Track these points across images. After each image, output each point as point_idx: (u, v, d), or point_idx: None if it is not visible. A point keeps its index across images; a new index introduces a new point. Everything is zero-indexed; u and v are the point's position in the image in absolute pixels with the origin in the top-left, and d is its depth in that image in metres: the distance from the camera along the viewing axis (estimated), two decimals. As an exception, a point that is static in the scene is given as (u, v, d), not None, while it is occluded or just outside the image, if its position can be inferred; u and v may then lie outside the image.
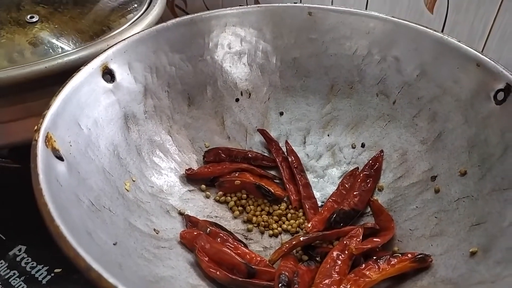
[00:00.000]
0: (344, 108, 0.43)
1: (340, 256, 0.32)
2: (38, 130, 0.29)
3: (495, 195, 0.32)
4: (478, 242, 0.30)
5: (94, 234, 0.27)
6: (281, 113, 0.45)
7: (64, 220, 0.24)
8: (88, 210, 0.29)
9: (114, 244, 0.28)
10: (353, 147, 0.42)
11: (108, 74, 0.36)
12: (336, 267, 0.31)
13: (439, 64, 0.38)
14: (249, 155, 0.42)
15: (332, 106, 0.44)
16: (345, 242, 0.33)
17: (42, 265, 0.39)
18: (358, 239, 0.33)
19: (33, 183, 0.25)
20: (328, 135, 0.44)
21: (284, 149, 0.43)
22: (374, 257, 0.32)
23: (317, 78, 0.44)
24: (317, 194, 0.40)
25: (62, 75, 0.35)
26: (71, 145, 0.31)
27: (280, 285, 0.30)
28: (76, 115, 0.33)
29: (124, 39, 0.38)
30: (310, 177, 0.41)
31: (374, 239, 0.34)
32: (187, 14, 0.42)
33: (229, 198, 0.40)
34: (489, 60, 0.35)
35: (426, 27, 0.39)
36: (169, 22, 0.41)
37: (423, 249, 0.33)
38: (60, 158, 0.29)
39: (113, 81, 0.37)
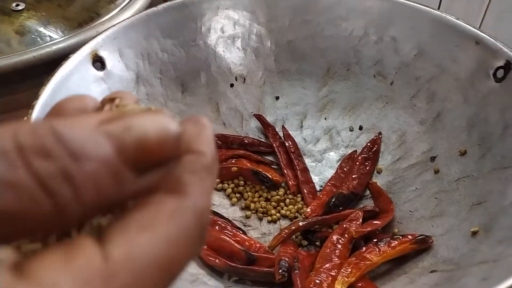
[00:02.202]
0: (341, 91, 0.43)
1: (340, 240, 0.32)
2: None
3: (496, 174, 0.31)
4: (479, 222, 0.30)
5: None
6: (277, 98, 0.44)
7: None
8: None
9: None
10: (351, 130, 0.42)
11: (98, 62, 0.35)
12: (337, 251, 0.31)
13: (437, 43, 0.38)
14: (246, 141, 0.41)
15: (329, 89, 0.43)
16: (344, 225, 0.33)
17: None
18: (358, 222, 0.33)
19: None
20: (325, 119, 0.43)
21: (281, 134, 0.42)
22: (375, 240, 0.31)
23: (313, 61, 0.43)
24: (315, 179, 0.40)
25: (50, 64, 0.34)
26: (62, 135, 0.30)
27: (280, 270, 0.29)
28: (66, 104, 0.32)
29: (113, 25, 0.37)
30: (308, 161, 0.41)
31: (374, 222, 0.33)
32: (178, -2, 0.41)
33: (226, 185, 0.39)
34: (488, 38, 0.34)
35: (424, 5, 0.39)
36: (160, 6, 0.40)
37: (423, 230, 0.32)
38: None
39: (104, 69, 0.36)
